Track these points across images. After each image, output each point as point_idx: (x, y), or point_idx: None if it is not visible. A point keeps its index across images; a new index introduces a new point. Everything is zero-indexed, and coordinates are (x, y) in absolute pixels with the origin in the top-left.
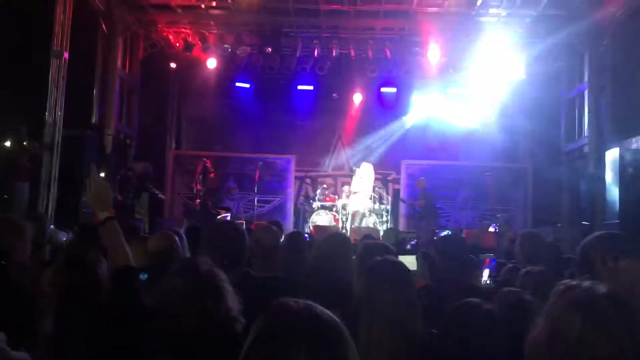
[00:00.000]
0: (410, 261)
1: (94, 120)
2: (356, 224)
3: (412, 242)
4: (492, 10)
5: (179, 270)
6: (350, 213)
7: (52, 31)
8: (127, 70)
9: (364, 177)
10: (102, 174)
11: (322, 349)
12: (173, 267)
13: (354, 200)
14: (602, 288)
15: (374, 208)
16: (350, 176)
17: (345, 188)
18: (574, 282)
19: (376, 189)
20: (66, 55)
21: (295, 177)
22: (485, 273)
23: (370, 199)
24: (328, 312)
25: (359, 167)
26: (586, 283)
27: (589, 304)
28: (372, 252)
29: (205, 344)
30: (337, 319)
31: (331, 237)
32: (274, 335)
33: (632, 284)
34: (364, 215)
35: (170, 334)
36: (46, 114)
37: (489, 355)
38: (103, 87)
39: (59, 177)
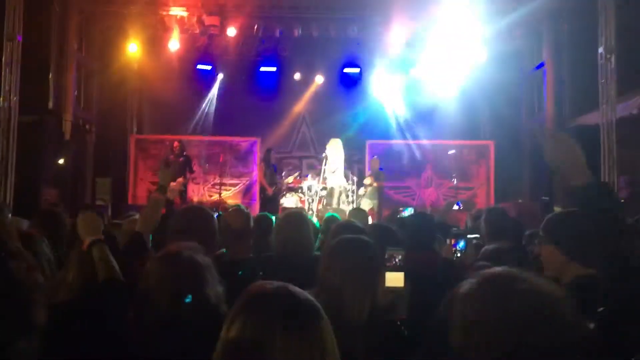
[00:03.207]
0: (397, 277)
1: (51, 105)
2: (334, 203)
3: (398, 258)
4: None
5: (161, 255)
6: (327, 192)
7: (4, 13)
8: (84, 53)
9: (333, 153)
10: (62, 160)
11: (297, 327)
12: (160, 252)
13: (331, 179)
14: (492, 271)
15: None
16: (315, 157)
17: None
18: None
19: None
20: (19, 38)
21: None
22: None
23: (344, 176)
24: (303, 291)
25: (328, 144)
26: (493, 268)
27: (470, 287)
28: (344, 232)
29: (178, 329)
30: (312, 298)
31: (286, 216)
32: (250, 317)
33: None
34: (340, 193)
35: (150, 316)
36: (0, 99)
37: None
38: (59, 70)
39: (16, 164)
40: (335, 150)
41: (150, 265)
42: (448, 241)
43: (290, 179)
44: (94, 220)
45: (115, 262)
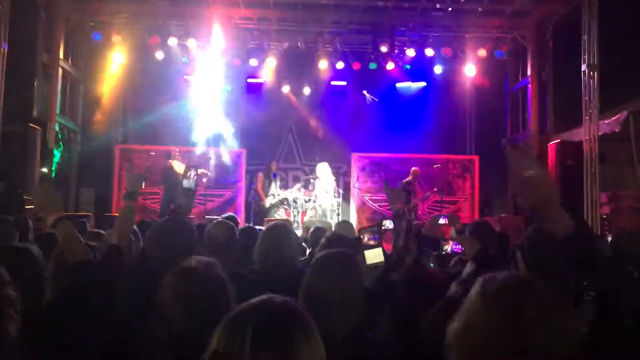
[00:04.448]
0: (376, 254)
1: (35, 114)
2: (328, 218)
3: (374, 237)
4: (439, 5)
5: (177, 270)
6: (322, 210)
7: None
8: (69, 62)
9: (322, 177)
10: (45, 170)
11: (267, 343)
12: (172, 268)
13: (325, 198)
14: (508, 276)
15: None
16: (302, 169)
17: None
18: (491, 274)
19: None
20: (5, 46)
21: (246, 171)
22: None
23: (334, 195)
24: (288, 305)
25: (315, 168)
26: (501, 274)
27: (490, 293)
28: (336, 244)
29: (192, 345)
30: (292, 306)
31: (270, 228)
32: (224, 331)
33: None
34: (332, 211)
35: (163, 332)
36: None
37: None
38: (45, 79)
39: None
40: (326, 172)
41: (165, 280)
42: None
43: (292, 191)
44: (50, 193)
45: (82, 240)
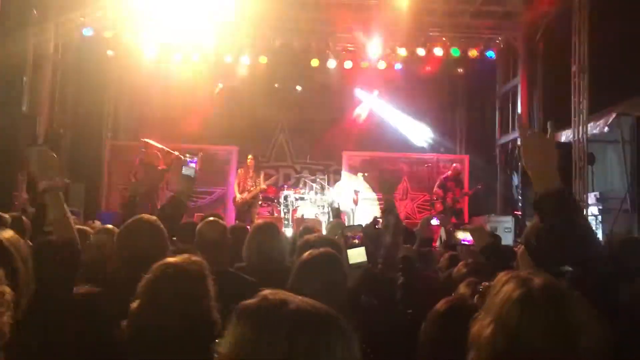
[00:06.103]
0: (359, 253)
1: (25, 108)
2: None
3: (358, 236)
4: (430, 5)
5: (157, 265)
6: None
7: None
8: (60, 57)
9: (347, 184)
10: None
11: (304, 344)
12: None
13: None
14: (538, 278)
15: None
16: (292, 168)
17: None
18: (512, 274)
19: (317, 180)
20: None
21: (238, 169)
22: None
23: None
24: (314, 303)
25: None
26: (523, 274)
27: (526, 296)
28: (314, 247)
29: (166, 339)
30: (325, 310)
31: (259, 226)
32: (257, 323)
33: None
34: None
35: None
36: None
37: None
38: (35, 73)
39: None
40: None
41: (148, 274)
42: None
43: (263, 186)
44: (51, 159)
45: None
